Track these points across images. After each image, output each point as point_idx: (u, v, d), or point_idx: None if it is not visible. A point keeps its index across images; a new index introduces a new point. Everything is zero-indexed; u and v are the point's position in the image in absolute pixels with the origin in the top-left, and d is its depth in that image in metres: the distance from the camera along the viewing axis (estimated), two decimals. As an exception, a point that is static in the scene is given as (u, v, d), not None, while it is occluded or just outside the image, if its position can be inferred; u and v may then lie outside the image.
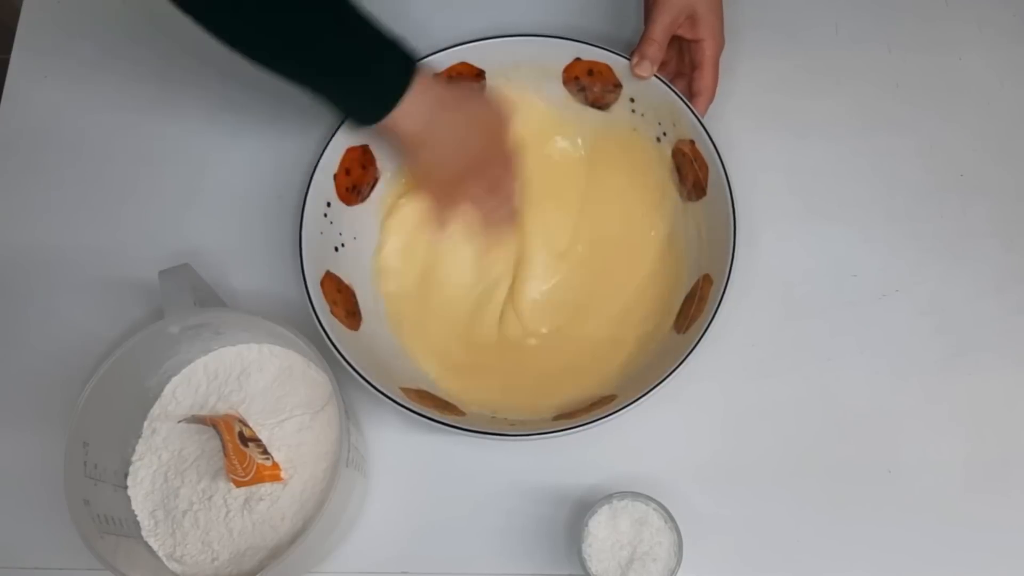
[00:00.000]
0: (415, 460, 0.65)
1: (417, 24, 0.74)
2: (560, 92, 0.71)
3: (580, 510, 0.62)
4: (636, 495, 0.58)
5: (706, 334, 0.59)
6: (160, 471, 0.60)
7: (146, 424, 0.62)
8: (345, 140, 0.67)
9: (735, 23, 0.69)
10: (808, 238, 0.70)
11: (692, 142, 0.66)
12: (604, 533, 0.58)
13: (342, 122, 0.65)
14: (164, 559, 0.58)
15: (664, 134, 0.68)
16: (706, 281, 0.63)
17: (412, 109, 0.60)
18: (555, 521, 0.63)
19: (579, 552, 0.57)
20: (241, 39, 0.56)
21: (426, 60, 0.68)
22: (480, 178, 0.66)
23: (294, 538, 0.56)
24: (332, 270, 0.66)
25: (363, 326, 0.66)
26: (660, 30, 0.65)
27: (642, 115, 0.69)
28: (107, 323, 0.69)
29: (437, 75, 0.65)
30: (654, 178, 0.70)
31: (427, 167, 0.65)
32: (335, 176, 0.67)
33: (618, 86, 0.69)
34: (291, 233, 0.65)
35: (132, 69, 0.78)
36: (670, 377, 0.58)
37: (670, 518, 0.57)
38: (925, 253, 0.70)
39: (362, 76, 0.59)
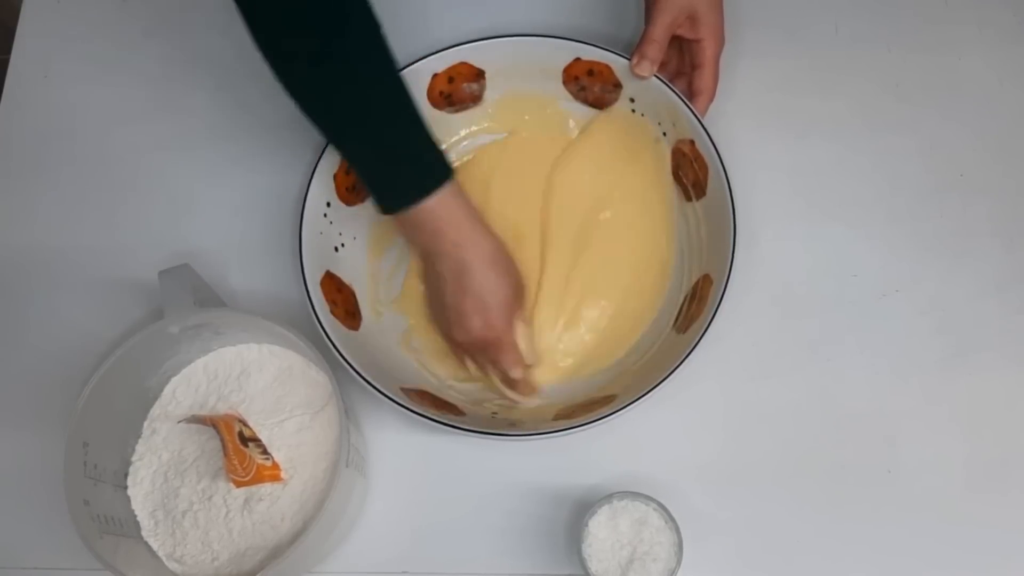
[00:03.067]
0: (415, 460, 0.65)
1: (417, 24, 0.74)
2: (560, 92, 0.71)
3: (580, 510, 0.62)
4: (636, 495, 0.58)
5: (706, 334, 0.59)
6: (160, 471, 0.60)
7: (146, 424, 0.62)
8: (345, 140, 0.67)
9: (735, 23, 0.69)
10: (808, 238, 0.70)
11: (692, 142, 0.66)
12: (604, 533, 0.58)
13: (376, 203, 0.62)
14: (164, 559, 0.58)
15: (664, 134, 0.68)
16: (706, 281, 0.63)
17: (435, 210, 0.58)
18: (555, 521, 0.63)
19: (579, 552, 0.57)
20: (306, 99, 0.57)
21: (426, 59, 0.68)
22: (481, 344, 0.62)
23: (294, 538, 0.56)
24: (332, 270, 0.66)
25: (363, 326, 0.66)
26: (660, 30, 0.65)
27: (642, 115, 0.69)
28: (107, 323, 0.69)
29: (467, 201, 0.61)
30: (654, 178, 0.70)
31: (438, 279, 0.62)
32: (335, 176, 0.67)
33: (618, 86, 0.69)
34: (291, 233, 0.65)
35: (132, 69, 0.78)
36: (670, 377, 0.58)
37: (670, 518, 0.57)
38: (925, 253, 0.70)
39: (404, 164, 0.59)
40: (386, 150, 0.58)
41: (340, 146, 0.60)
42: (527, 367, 0.64)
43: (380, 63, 0.56)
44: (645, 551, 0.57)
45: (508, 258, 0.63)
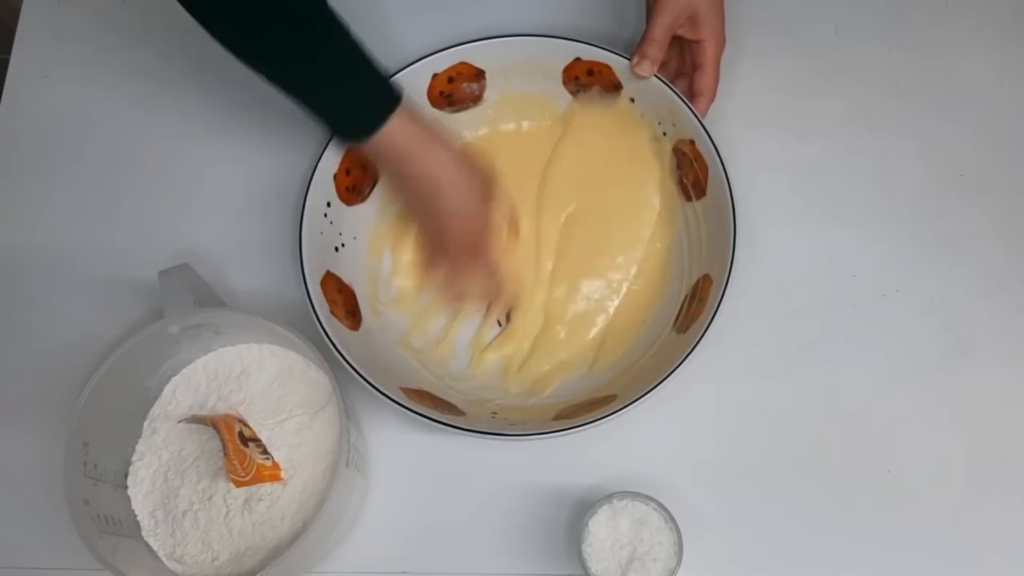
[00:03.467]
0: (415, 460, 0.65)
1: (417, 24, 0.74)
2: (560, 92, 0.71)
3: (580, 510, 0.62)
4: (636, 495, 0.58)
5: (706, 334, 0.59)
6: (160, 471, 0.60)
7: (146, 424, 0.62)
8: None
9: (735, 23, 0.69)
10: (808, 238, 0.70)
11: (692, 142, 0.66)
12: (604, 533, 0.58)
13: (330, 138, 0.66)
14: (164, 559, 0.58)
15: (664, 134, 0.68)
16: (706, 281, 0.63)
17: (395, 136, 0.60)
18: (555, 521, 0.63)
19: (579, 552, 0.57)
20: (241, 45, 0.57)
21: (426, 59, 0.68)
22: (463, 239, 0.65)
23: (294, 538, 0.56)
24: (332, 270, 0.66)
25: (363, 326, 0.66)
26: (661, 30, 0.65)
27: (642, 115, 0.69)
28: (107, 323, 0.69)
29: (417, 113, 0.62)
30: (654, 178, 0.70)
31: (413, 199, 0.65)
32: (335, 176, 0.67)
33: (618, 86, 0.69)
34: (291, 233, 0.65)
35: (132, 69, 0.78)
36: (670, 377, 0.58)
37: (670, 518, 0.57)
38: (925, 253, 0.70)
39: (353, 93, 0.59)
40: (333, 82, 0.59)
41: (282, 81, 0.59)
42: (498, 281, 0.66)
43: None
44: (645, 551, 0.57)
45: (472, 162, 0.64)
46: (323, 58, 0.57)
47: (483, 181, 0.64)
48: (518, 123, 0.73)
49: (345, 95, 0.59)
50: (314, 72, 0.57)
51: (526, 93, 0.71)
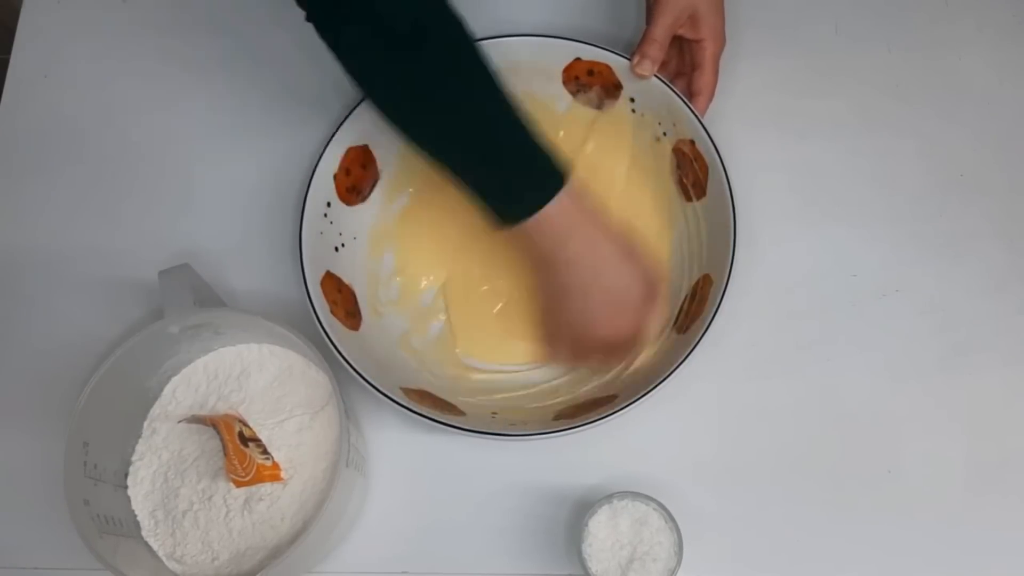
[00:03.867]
0: (415, 460, 0.65)
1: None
2: (560, 92, 0.71)
3: (580, 510, 0.62)
4: (636, 495, 0.58)
5: (706, 334, 0.59)
6: (160, 471, 0.60)
7: (146, 424, 0.62)
8: (345, 140, 0.67)
9: (735, 23, 0.69)
10: (808, 238, 0.70)
11: (692, 142, 0.66)
12: (604, 533, 0.58)
13: (487, 215, 0.59)
14: (164, 559, 0.58)
15: (664, 134, 0.68)
16: (706, 281, 0.63)
17: (558, 216, 0.55)
18: (555, 521, 0.63)
19: (579, 552, 0.57)
20: (408, 121, 0.55)
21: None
22: (609, 340, 0.60)
23: (294, 538, 0.56)
24: (332, 270, 0.66)
25: (363, 326, 0.66)
26: (661, 30, 0.65)
27: (642, 115, 0.69)
28: (107, 323, 0.69)
29: (588, 199, 0.58)
30: (654, 178, 0.70)
31: (561, 295, 0.60)
32: (335, 176, 0.67)
33: (618, 86, 0.69)
34: (291, 233, 0.65)
35: (132, 69, 0.78)
36: (670, 377, 0.58)
37: (670, 518, 0.57)
38: (925, 253, 0.70)
39: (519, 171, 0.56)
40: (497, 154, 0.54)
41: (442, 155, 0.55)
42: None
43: (473, 56, 0.52)
44: (645, 551, 0.57)
45: (637, 253, 0.59)
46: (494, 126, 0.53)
47: (647, 279, 0.60)
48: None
49: (513, 166, 0.55)
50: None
51: (526, 93, 0.71)
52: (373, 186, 0.70)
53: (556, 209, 0.55)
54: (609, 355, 0.63)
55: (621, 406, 0.58)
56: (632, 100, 0.69)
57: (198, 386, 0.63)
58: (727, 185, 0.63)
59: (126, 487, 0.60)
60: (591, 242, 0.57)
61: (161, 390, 0.63)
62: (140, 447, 0.61)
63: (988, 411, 0.65)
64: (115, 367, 0.58)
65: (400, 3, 0.52)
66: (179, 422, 0.61)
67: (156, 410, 0.62)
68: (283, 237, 0.69)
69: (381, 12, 0.51)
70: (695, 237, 0.67)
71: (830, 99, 0.74)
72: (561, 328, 0.63)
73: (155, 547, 0.58)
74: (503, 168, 0.55)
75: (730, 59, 0.69)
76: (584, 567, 0.57)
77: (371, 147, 0.69)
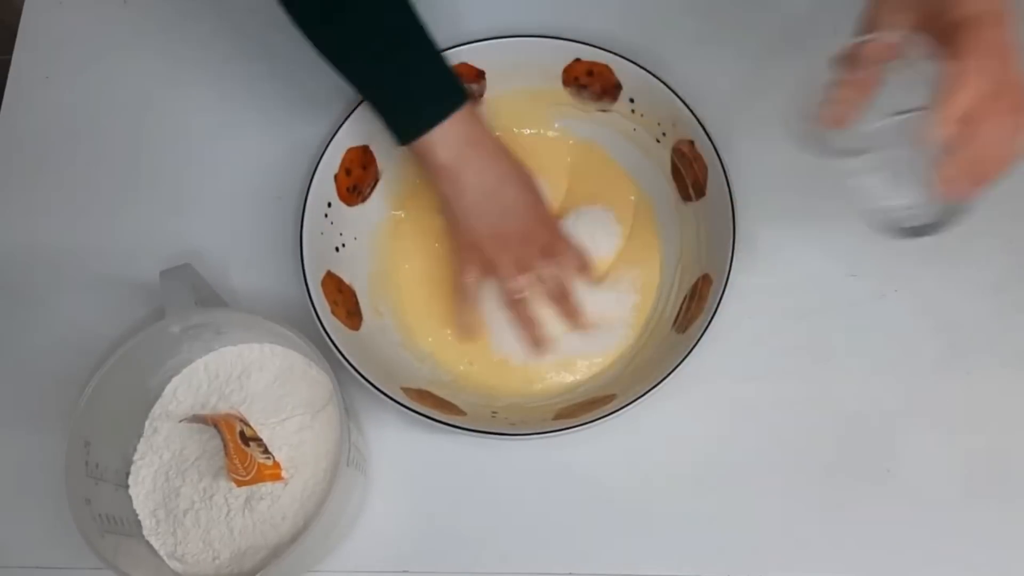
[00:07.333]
0: (415, 460, 0.65)
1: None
2: (560, 92, 0.71)
3: (580, 510, 0.62)
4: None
5: (706, 334, 0.59)
6: (161, 470, 0.60)
7: (147, 423, 0.62)
8: (346, 140, 0.67)
9: (736, 24, 0.69)
10: (807, 238, 0.70)
11: (692, 142, 0.66)
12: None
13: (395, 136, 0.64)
14: (165, 558, 0.58)
15: (664, 134, 0.68)
16: (706, 281, 0.63)
17: (447, 136, 0.60)
18: (555, 520, 0.63)
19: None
20: (317, 32, 0.58)
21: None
22: (528, 239, 0.64)
23: (295, 537, 0.56)
24: (333, 270, 0.66)
25: (364, 326, 0.66)
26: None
27: (642, 115, 0.69)
28: (108, 323, 0.69)
29: (480, 115, 0.64)
30: (653, 178, 0.70)
31: (460, 208, 0.63)
32: (336, 176, 0.67)
33: (618, 86, 0.69)
34: (292, 233, 0.65)
35: (133, 69, 0.78)
36: (670, 377, 0.58)
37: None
38: (925, 253, 0.69)
39: (410, 92, 0.59)
40: (401, 72, 0.58)
41: (349, 71, 0.60)
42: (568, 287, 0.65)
43: None
44: None
45: (535, 184, 0.64)
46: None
47: (544, 203, 0.66)
48: (518, 124, 0.73)
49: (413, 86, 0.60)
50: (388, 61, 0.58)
51: (526, 93, 0.71)
52: (374, 186, 0.70)
53: (456, 124, 0.60)
54: (526, 241, 0.64)
55: (621, 405, 0.58)
56: (632, 100, 0.69)
57: (199, 386, 0.63)
58: (727, 185, 0.63)
59: (127, 486, 0.60)
60: (492, 157, 0.62)
61: (162, 390, 0.63)
62: (141, 446, 0.61)
63: (987, 411, 0.65)
64: (117, 367, 0.58)
65: None
66: (180, 421, 0.61)
67: (157, 409, 0.62)
68: (284, 237, 0.69)
69: None
70: (695, 237, 0.67)
71: (830, 99, 0.74)
72: (474, 228, 0.64)
73: (156, 546, 0.58)
74: (406, 83, 0.60)
75: (730, 60, 0.69)
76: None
77: (371, 147, 0.69)
